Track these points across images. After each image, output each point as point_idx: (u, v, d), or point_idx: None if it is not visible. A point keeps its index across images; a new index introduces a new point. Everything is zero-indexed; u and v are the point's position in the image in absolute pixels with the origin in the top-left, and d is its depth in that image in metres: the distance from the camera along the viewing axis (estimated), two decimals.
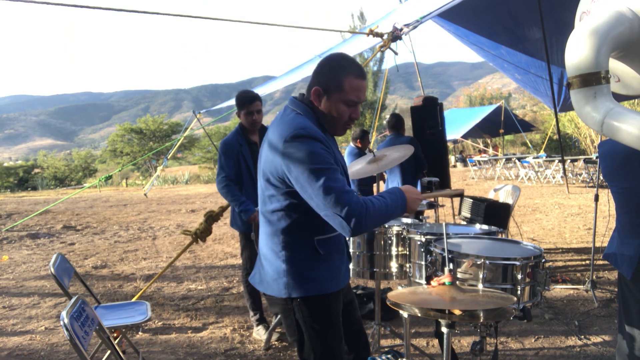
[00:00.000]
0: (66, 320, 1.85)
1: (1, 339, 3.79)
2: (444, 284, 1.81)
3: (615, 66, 2.03)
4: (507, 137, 26.78)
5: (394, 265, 2.69)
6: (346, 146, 6.99)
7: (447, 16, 6.65)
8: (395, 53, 4.71)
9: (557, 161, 14.67)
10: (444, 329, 1.74)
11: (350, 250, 2.78)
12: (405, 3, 6.92)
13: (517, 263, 1.94)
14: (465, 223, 4.16)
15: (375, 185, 4.50)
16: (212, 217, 4.09)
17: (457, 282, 1.86)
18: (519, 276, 1.93)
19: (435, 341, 3.48)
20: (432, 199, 5.46)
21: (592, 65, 1.77)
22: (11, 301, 4.75)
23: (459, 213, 4.62)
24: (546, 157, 16.34)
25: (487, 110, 22.38)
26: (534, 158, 16.24)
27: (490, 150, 26.48)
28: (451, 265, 1.97)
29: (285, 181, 1.69)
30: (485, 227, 2.76)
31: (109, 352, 2.70)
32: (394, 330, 3.37)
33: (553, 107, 7.38)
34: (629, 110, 1.71)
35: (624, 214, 2.18)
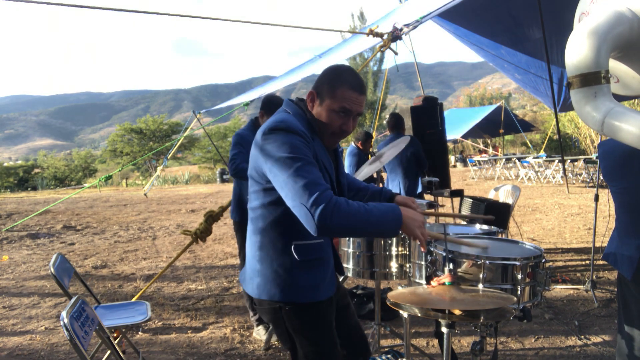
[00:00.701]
0: (66, 320, 1.85)
1: (1, 339, 3.79)
2: (444, 284, 1.81)
3: (615, 66, 2.03)
4: (507, 137, 26.78)
5: (394, 265, 2.69)
6: (346, 146, 6.98)
7: (447, 16, 6.65)
8: (395, 53, 4.71)
9: (557, 161, 14.68)
10: (444, 329, 1.74)
11: (350, 250, 2.78)
12: (405, 3, 6.92)
13: (517, 263, 1.93)
14: (465, 223, 4.16)
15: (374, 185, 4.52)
16: (212, 217, 4.09)
17: (458, 282, 1.86)
18: (519, 276, 1.92)
19: (435, 341, 3.48)
20: (432, 198, 5.46)
21: (592, 64, 1.77)
22: (11, 301, 4.75)
23: (459, 213, 4.62)
24: (546, 157, 16.35)
25: (487, 110, 22.39)
26: (534, 158, 16.25)
27: (490, 150, 26.49)
28: (451, 265, 1.97)
29: (265, 176, 1.66)
30: (485, 227, 2.76)
31: (109, 352, 2.70)
32: (394, 330, 3.37)
33: (553, 107, 7.38)
34: (630, 109, 1.71)
35: (623, 214, 2.18)
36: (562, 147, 12.19)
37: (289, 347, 1.80)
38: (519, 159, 17.12)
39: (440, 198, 5.53)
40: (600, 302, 4.14)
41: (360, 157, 5.58)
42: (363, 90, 1.75)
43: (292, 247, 1.71)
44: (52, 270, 2.75)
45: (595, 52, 1.76)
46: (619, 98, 2.00)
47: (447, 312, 1.70)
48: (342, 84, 1.72)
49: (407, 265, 2.58)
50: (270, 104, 3.45)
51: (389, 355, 2.85)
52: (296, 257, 1.71)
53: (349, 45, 6.66)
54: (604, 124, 1.74)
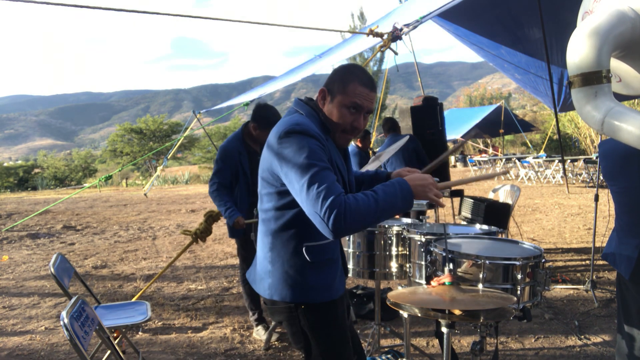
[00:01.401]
0: (66, 320, 1.85)
1: (1, 339, 3.79)
2: (444, 284, 1.81)
3: (617, 66, 2.03)
4: (507, 137, 26.77)
5: (394, 265, 2.69)
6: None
7: (447, 16, 6.65)
8: (395, 53, 4.70)
9: (557, 161, 14.68)
10: (444, 329, 1.74)
11: (350, 250, 2.78)
12: (405, 3, 6.92)
13: (517, 263, 1.93)
14: (465, 223, 4.16)
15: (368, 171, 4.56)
16: (212, 217, 4.09)
17: (458, 282, 1.86)
18: (519, 276, 1.92)
19: (435, 341, 3.48)
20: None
21: (594, 64, 1.76)
22: (11, 301, 4.75)
23: (459, 213, 4.62)
24: (546, 157, 16.35)
25: (487, 110, 22.38)
26: (534, 158, 16.24)
27: (490, 150, 26.48)
28: (451, 265, 1.97)
29: (280, 179, 1.66)
30: (485, 227, 2.75)
31: (109, 352, 2.70)
32: (394, 330, 3.37)
33: (553, 107, 7.38)
34: (630, 109, 1.71)
35: (623, 214, 2.18)
36: (562, 147, 12.19)
37: (302, 346, 1.80)
38: (519, 159, 17.12)
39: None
40: (600, 302, 4.14)
41: (362, 156, 5.61)
42: (374, 87, 1.75)
43: (304, 248, 1.72)
44: (52, 270, 2.75)
45: (596, 51, 1.76)
46: (621, 97, 2.00)
47: (447, 312, 1.70)
48: (353, 80, 1.72)
49: (407, 265, 2.58)
50: (263, 119, 3.37)
51: (389, 355, 2.85)
52: (307, 258, 1.72)
53: (349, 45, 6.65)
54: (604, 124, 1.74)
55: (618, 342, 2.24)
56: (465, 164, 23.93)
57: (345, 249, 2.73)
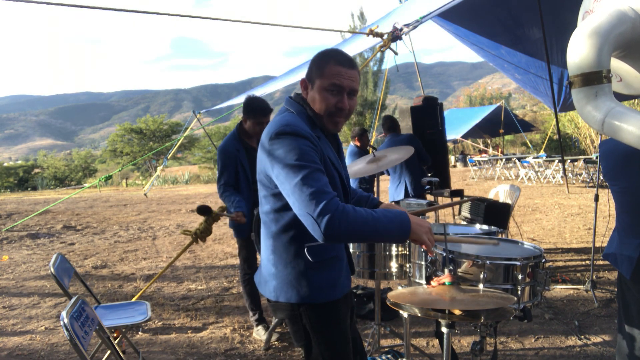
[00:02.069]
0: (66, 320, 1.85)
1: (1, 339, 3.79)
2: (444, 284, 1.80)
3: (617, 66, 2.03)
4: (507, 137, 26.79)
5: (394, 265, 2.69)
6: (346, 146, 6.99)
7: (447, 16, 6.65)
8: (395, 53, 4.71)
9: (557, 161, 14.67)
10: (444, 329, 1.74)
11: (350, 250, 2.78)
12: (405, 3, 6.92)
13: (518, 263, 1.93)
14: (465, 223, 4.16)
15: (375, 183, 4.53)
16: (212, 217, 4.09)
17: (458, 282, 1.86)
18: (519, 276, 1.92)
19: (435, 341, 3.48)
20: (432, 198, 5.46)
21: (594, 64, 1.76)
22: (11, 301, 4.75)
23: (459, 213, 4.62)
24: (546, 157, 16.34)
25: (487, 110, 22.40)
26: (534, 158, 16.24)
27: (490, 150, 26.48)
28: (451, 265, 1.97)
29: (273, 180, 1.65)
30: (485, 227, 2.75)
31: (109, 352, 2.70)
32: (394, 330, 3.37)
33: (553, 107, 7.39)
34: (630, 109, 1.71)
35: (623, 214, 2.18)
36: (562, 147, 12.18)
37: (303, 344, 1.80)
38: (519, 159, 17.12)
39: (440, 198, 5.54)
40: (600, 302, 4.13)
41: (361, 155, 5.61)
42: (352, 64, 1.72)
43: (305, 249, 1.71)
44: (52, 270, 2.75)
45: (597, 51, 1.76)
46: (621, 97, 2.00)
47: (447, 312, 1.69)
48: (328, 61, 1.71)
49: (407, 265, 2.58)
50: (246, 107, 3.46)
51: (389, 355, 2.85)
52: (310, 258, 1.72)
53: (349, 45, 6.65)
54: (605, 124, 1.74)
55: (618, 342, 2.24)
56: (465, 164, 23.93)
57: None
